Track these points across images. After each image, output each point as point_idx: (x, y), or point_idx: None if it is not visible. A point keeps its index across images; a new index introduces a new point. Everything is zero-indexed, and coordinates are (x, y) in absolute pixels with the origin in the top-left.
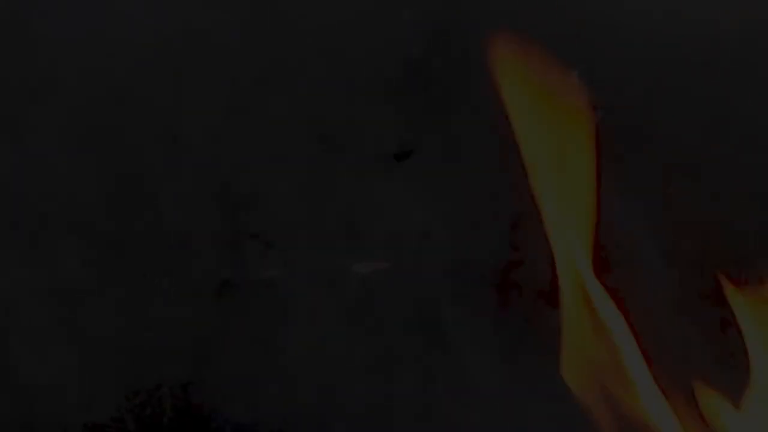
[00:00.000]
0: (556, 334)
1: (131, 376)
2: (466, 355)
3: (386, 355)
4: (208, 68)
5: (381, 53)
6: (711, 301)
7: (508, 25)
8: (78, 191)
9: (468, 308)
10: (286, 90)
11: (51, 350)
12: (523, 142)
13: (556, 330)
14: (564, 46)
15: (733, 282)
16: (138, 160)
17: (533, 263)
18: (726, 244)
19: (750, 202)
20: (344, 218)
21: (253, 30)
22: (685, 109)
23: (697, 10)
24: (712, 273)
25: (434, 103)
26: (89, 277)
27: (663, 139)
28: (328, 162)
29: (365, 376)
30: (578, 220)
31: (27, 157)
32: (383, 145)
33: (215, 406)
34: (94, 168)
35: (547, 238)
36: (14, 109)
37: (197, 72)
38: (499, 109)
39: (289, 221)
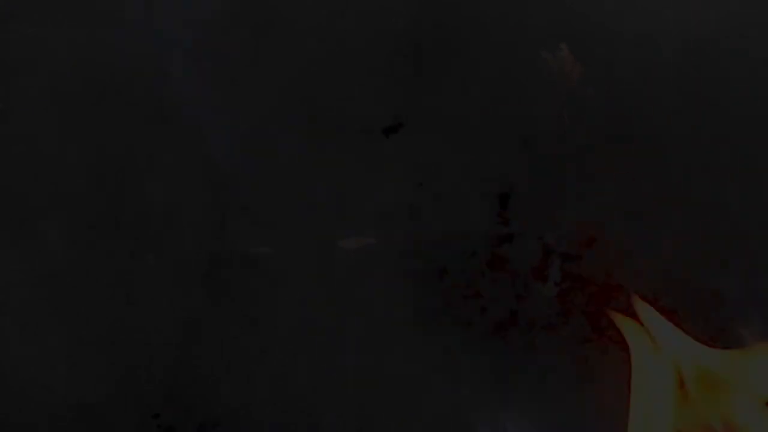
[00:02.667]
0: (544, 310)
1: (119, 356)
2: (455, 332)
3: (375, 331)
4: (195, 44)
5: (370, 28)
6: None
7: (496, 1)
8: (64, 169)
9: (457, 284)
10: (274, 66)
11: (37, 331)
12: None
13: (544, 305)
14: (554, 21)
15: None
16: (124, 137)
17: (522, 238)
18: (714, 223)
19: (739, 182)
20: (332, 194)
21: (242, 6)
22: (676, 86)
23: None
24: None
25: (422, 78)
26: (76, 256)
27: (653, 116)
28: (316, 137)
29: (354, 352)
30: None
31: (12, 136)
32: (371, 120)
33: (205, 385)
34: (80, 146)
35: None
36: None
37: (184, 48)
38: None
39: (277, 197)
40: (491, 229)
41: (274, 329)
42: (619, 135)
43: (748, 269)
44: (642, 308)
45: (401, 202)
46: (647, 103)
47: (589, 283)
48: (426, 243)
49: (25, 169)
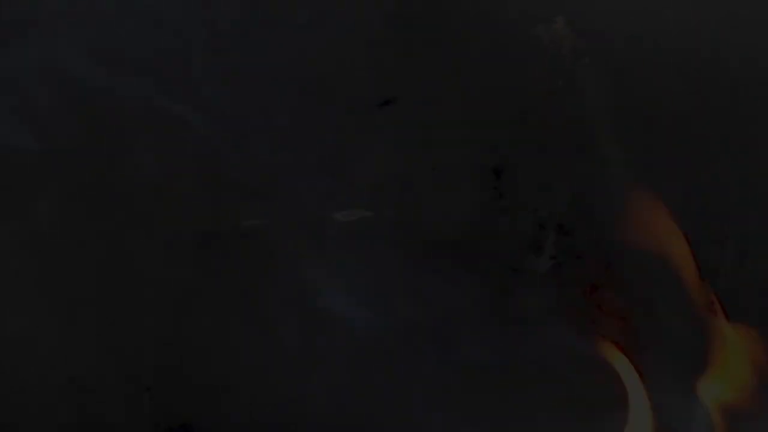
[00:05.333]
0: (539, 281)
1: (111, 330)
2: (450, 304)
3: (369, 303)
4: (188, 16)
5: (363, 1)
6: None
7: None
8: (55, 141)
9: (452, 256)
10: (268, 38)
11: (27, 304)
12: None
13: (539, 277)
14: None
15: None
16: (117, 109)
17: (516, 212)
18: (710, 198)
19: (736, 157)
20: (327, 167)
21: None
22: (672, 58)
23: None
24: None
25: (416, 51)
26: (67, 231)
27: (648, 88)
28: (310, 110)
29: (348, 325)
30: None
31: (2, 106)
32: (365, 92)
33: (197, 358)
34: (71, 117)
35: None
36: None
37: (177, 20)
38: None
39: (271, 170)
40: (485, 202)
41: (267, 302)
42: (614, 107)
43: (743, 247)
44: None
45: (395, 174)
46: (642, 75)
47: (584, 257)
48: (420, 216)
49: (15, 140)
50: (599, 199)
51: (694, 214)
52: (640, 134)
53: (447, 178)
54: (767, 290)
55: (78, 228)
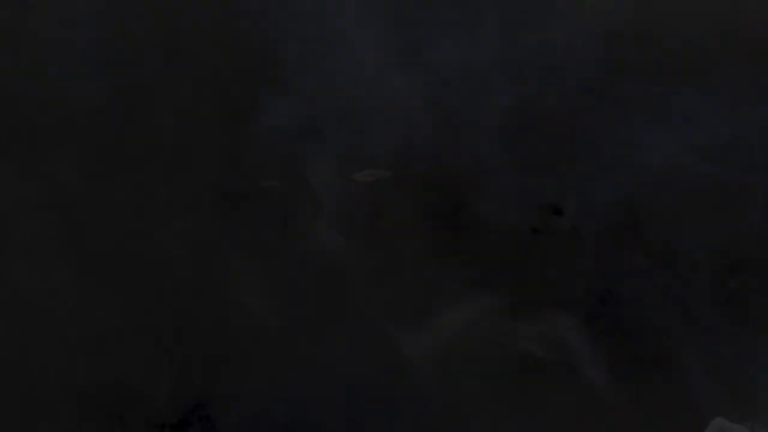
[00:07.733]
0: (558, 243)
1: (131, 287)
2: (471, 265)
3: (390, 264)
4: None
5: None
6: None
7: None
8: (76, 102)
9: (473, 218)
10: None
11: (49, 262)
12: None
13: (559, 239)
14: None
15: None
16: (136, 70)
17: (538, 171)
18: (735, 150)
19: (760, 111)
20: (347, 126)
21: None
22: (692, 14)
23: None
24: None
25: (437, 12)
26: (88, 188)
27: (671, 42)
28: (329, 64)
29: (370, 284)
30: None
31: (25, 68)
32: (387, 43)
33: (216, 319)
34: (92, 78)
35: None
36: (11, 18)
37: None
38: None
39: (290, 129)
40: (507, 162)
41: (286, 262)
42: (637, 63)
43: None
44: None
45: (417, 135)
46: (669, 30)
47: (604, 217)
48: (441, 177)
49: (36, 103)
50: (620, 159)
51: (719, 164)
52: (663, 83)
53: (468, 138)
54: None
55: (98, 188)
